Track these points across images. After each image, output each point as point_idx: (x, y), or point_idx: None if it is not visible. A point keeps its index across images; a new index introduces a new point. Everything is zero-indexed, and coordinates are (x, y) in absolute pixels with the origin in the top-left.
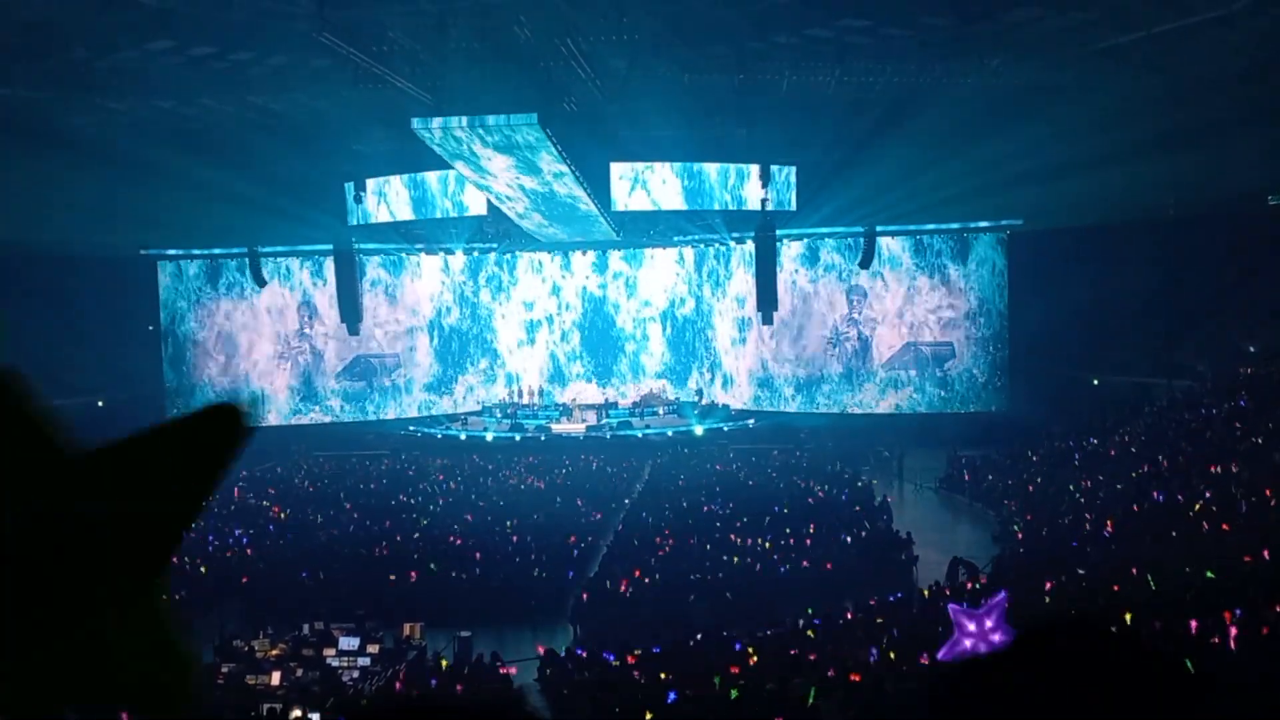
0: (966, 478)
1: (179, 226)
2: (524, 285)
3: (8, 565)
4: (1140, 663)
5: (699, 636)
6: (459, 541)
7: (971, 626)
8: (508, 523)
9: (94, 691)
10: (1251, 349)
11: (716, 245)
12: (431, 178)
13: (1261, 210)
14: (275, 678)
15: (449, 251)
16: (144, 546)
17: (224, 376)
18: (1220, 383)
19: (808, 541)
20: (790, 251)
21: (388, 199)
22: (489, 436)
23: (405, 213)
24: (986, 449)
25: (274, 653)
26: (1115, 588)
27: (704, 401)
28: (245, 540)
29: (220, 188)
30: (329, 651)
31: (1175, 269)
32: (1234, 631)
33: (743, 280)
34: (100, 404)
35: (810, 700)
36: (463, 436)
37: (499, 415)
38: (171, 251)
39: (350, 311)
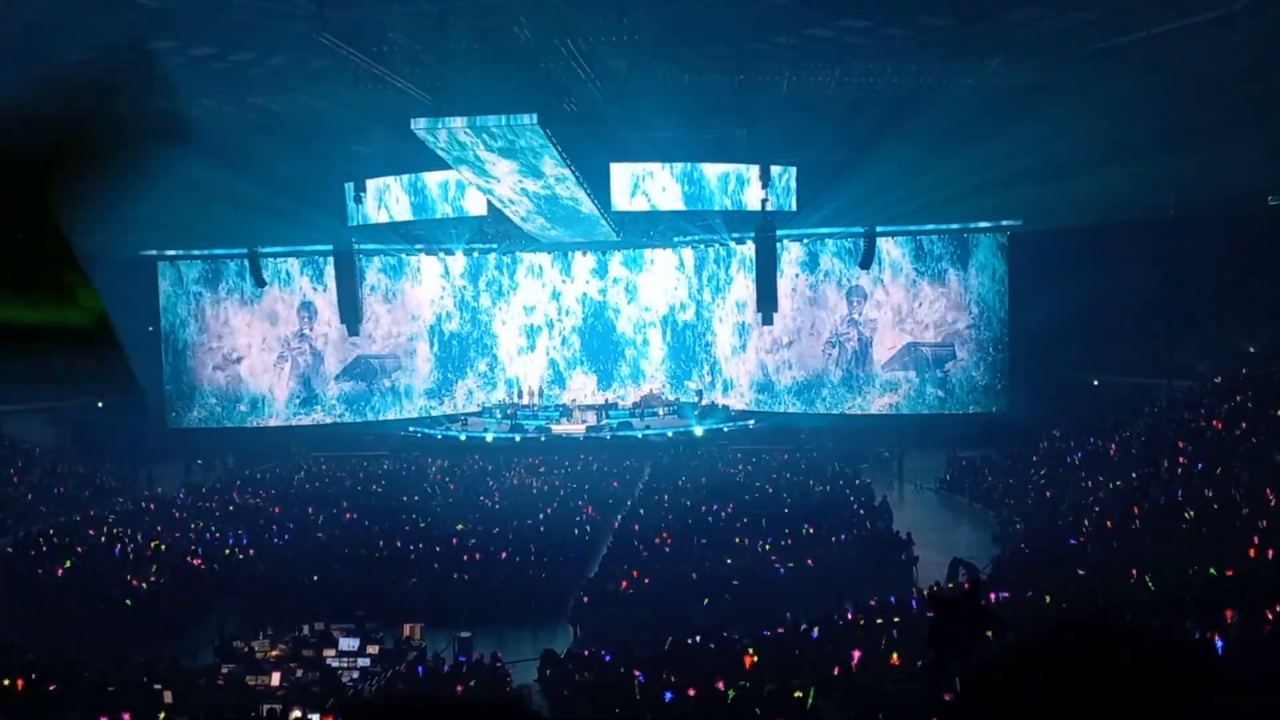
0: (966, 479)
1: (179, 227)
2: (524, 290)
3: None
4: (1157, 662)
5: (699, 637)
6: (458, 542)
7: (950, 613)
8: (508, 523)
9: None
10: (1251, 349)
11: (717, 249)
12: (431, 178)
13: (1261, 210)
14: (275, 678)
15: (449, 252)
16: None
17: (223, 377)
18: (1220, 383)
19: (807, 542)
20: (790, 253)
21: (387, 200)
22: (489, 437)
23: (405, 213)
24: (986, 449)
25: (274, 653)
26: (1116, 588)
27: (704, 402)
28: (245, 541)
29: (220, 188)
30: (329, 652)
31: (1175, 269)
32: (1234, 632)
33: (743, 285)
34: (100, 405)
35: (810, 701)
36: (463, 437)
37: (499, 416)
38: (171, 252)
39: (350, 312)
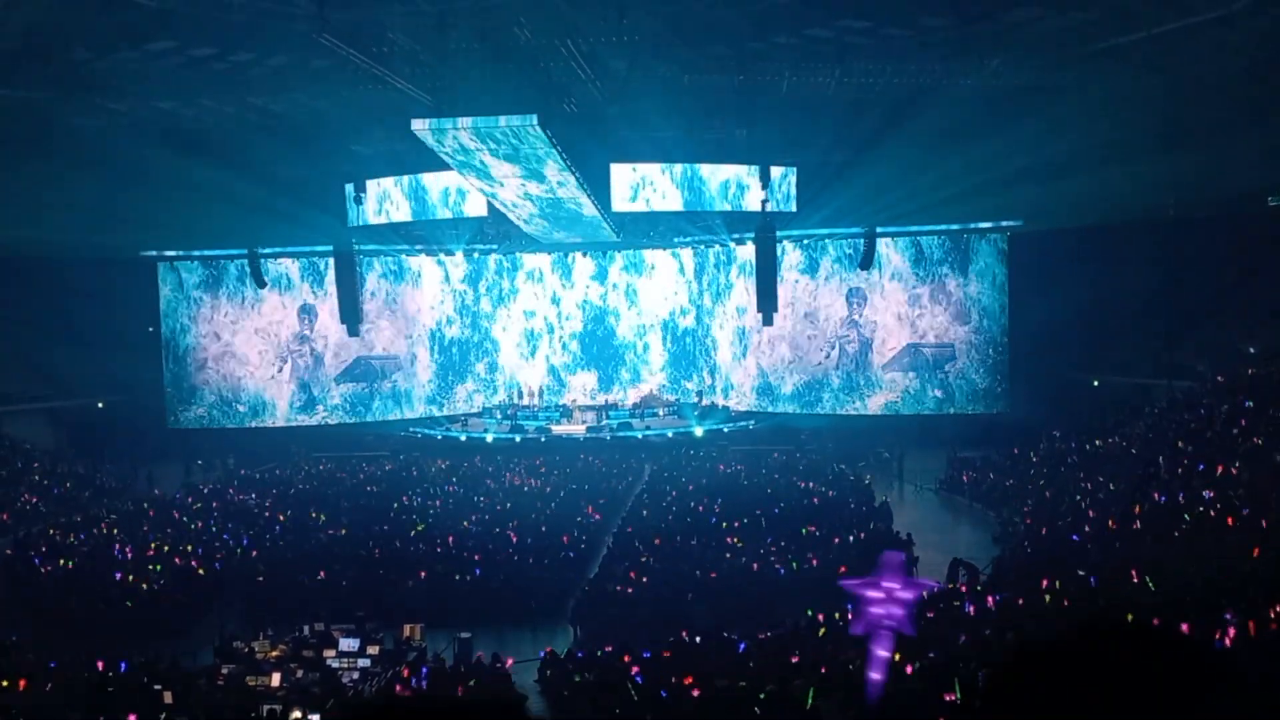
0: (966, 479)
1: (179, 228)
2: (524, 295)
3: None
4: (1179, 659)
5: (699, 637)
6: (457, 543)
7: (875, 594)
8: (509, 524)
9: None
10: (1251, 349)
11: (717, 254)
12: (431, 179)
13: (1261, 210)
14: (275, 679)
15: (449, 253)
16: None
17: (223, 378)
18: (1221, 383)
19: (808, 543)
20: (790, 254)
21: (388, 200)
22: (489, 438)
23: (405, 214)
24: (987, 450)
25: (274, 654)
26: (1116, 588)
27: (704, 403)
28: (245, 541)
29: (220, 189)
30: (329, 652)
31: (1175, 269)
32: (1232, 632)
33: (743, 290)
34: (100, 405)
35: (810, 701)
36: (463, 438)
37: (499, 417)
38: (171, 253)
39: (350, 312)
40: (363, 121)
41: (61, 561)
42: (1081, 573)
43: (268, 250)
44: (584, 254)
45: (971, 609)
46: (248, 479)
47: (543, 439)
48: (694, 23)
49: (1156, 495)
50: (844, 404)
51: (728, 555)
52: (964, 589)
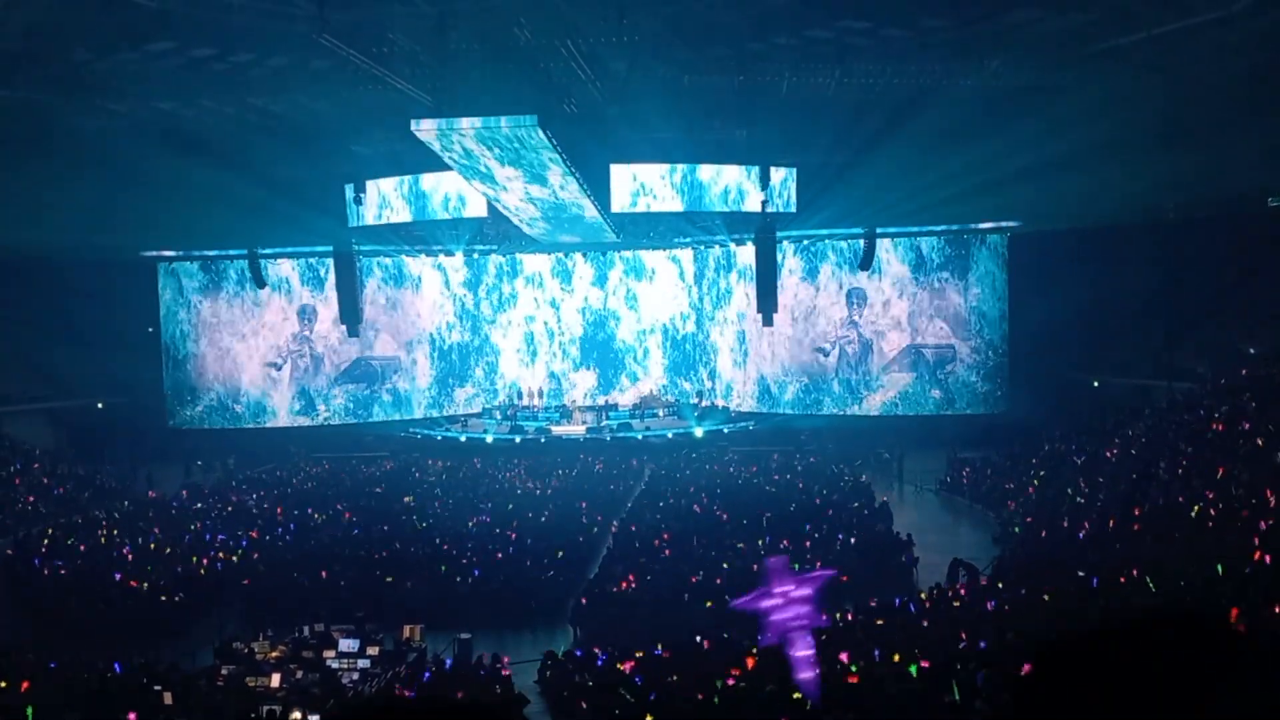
0: (966, 480)
1: (179, 229)
2: (524, 300)
3: None
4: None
5: (699, 638)
6: (457, 543)
7: (783, 588)
8: (509, 524)
9: None
10: (1252, 350)
11: (717, 258)
12: (431, 179)
13: (1261, 211)
14: (275, 679)
15: (449, 253)
16: None
17: (223, 379)
18: (1221, 384)
19: (807, 544)
20: (790, 254)
21: (387, 201)
22: (489, 439)
23: (405, 214)
24: (987, 451)
25: (274, 654)
26: (1116, 588)
27: (704, 404)
28: (245, 542)
29: (220, 189)
30: (329, 653)
31: (1175, 270)
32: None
33: (743, 295)
34: (100, 406)
35: (810, 702)
36: (463, 439)
37: (499, 417)
38: (171, 254)
39: (350, 313)
40: (363, 122)
41: (61, 562)
42: (1081, 573)
43: (268, 251)
44: (585, 259)
45: (975, 608)
46: (248, 479)
47: (542, 440)
48: (694, 23)
49: (1156, 497)
50: (844, 405)
51: (727, 556)
52: (964, 590)
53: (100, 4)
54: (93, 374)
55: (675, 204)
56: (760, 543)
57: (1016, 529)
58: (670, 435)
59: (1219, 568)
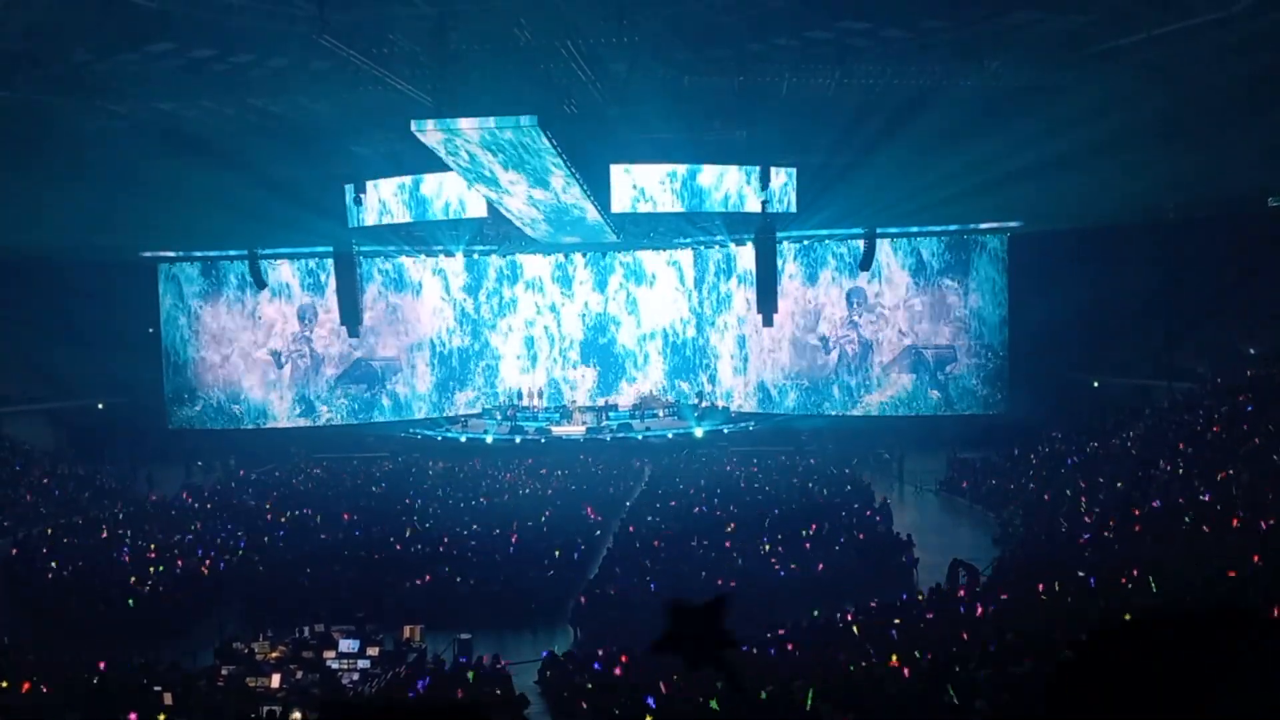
0: (966, 481)
1: (179, 229)
2: (524, 305)
3: None
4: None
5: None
6: (457, 544)
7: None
8: (509, 525)
9: None
10: (1252, 351)
11: (718, 263)
12: (431, 180)
13: (1262, 211)
14: (275, 680)
15: (449, 253)
16: None
17: (223, 378)
18: (1221, 385)
19: (807, 545)
20: (790, 255)
21: (388, 208)
22: (489, 439)
23: (405, 215)
24: (987, 451)
25: (274, 655)
26: (1116, 589)
27: (704, 404)
28: (245, 542)
29: (220, 190)
30: (329, 654)
31: (1175, 270)
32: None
33: (743, 299)
34: (100, 406)
35: (810, 702)
36: (463, 439)
37: (499, 418)
38: (171, 254)
39: (350, 313)
40: (362, 123)
41: (61, 563)
42: (1081, 573)
43: (268, 251)
44: (585, 265)
45: (975, 609)
46: (248, 480)
47: (542, 440)
48: (694, 24)
49: (1156, 497)
50: (846, 407)
51: (727, 557)
52: (963, 590)
53: (100, 5)
54: (93, 374)
55: (676, 201)
56: (760, 543)
57: (1018, 527)
58: (670, 436)
59: (1214, 571)
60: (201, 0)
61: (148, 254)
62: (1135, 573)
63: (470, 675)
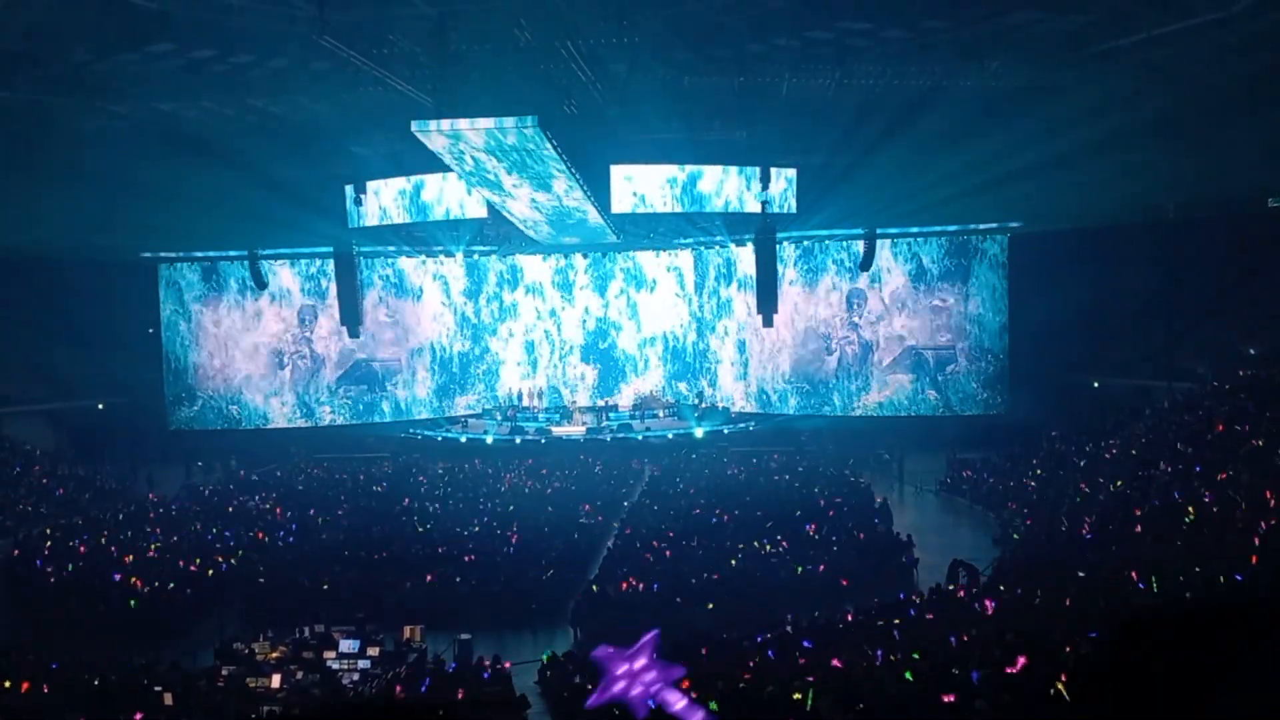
0: (966, 480)
1: (179, 230)
2: (524, 310)
3: None
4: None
5: (700, 639)
6: (457, 544)
7: (622, 669)
8: (509, 525)
9: None
10: (1252, 351)
11: (718, 267)
12: (431, 180)
13: (1262, 211)
14: (275, 680)
15: (449, 254)
16: None
17: (224, 380)
18: (1221, 385)
19: (807, 545)
20: (790, 255)
21: (388, 214)
22: (489, 439)
23: (405, 216)
24: (987, 451)
25: (274, 655)
26: (1116, 589)
27: (704, 405)
28: (245, 543)
29: (220, 190)
30: (329, 654)
31: (1175, 271)
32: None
33: (743, 304)
34: (100, 407)
35: (810, 703)
36: (463, 439)
37: (499, 418)
38: (171, 255)
39: (350, 314)
40: (363, 123)
41: (61, 563)
42: (1082, 574)
43: (268, 252)
44: (585, 271)
45: (975, 609)
46: (248, 480)
47: (542, 440)
48: (694, 24)
49: (1156, 497)
50: (844, 407)
51: (728, 557)
52: (963, 591)
53: (100, 5)
54: (93, 375)
55: (676, 201)
56: (760, 543)
57: (1016, 534)
58: (670, 436)
59: (1213, 572)
60: (201, 0)
61: (147, 254)
62: (1135, 573)
63: (469, 677)
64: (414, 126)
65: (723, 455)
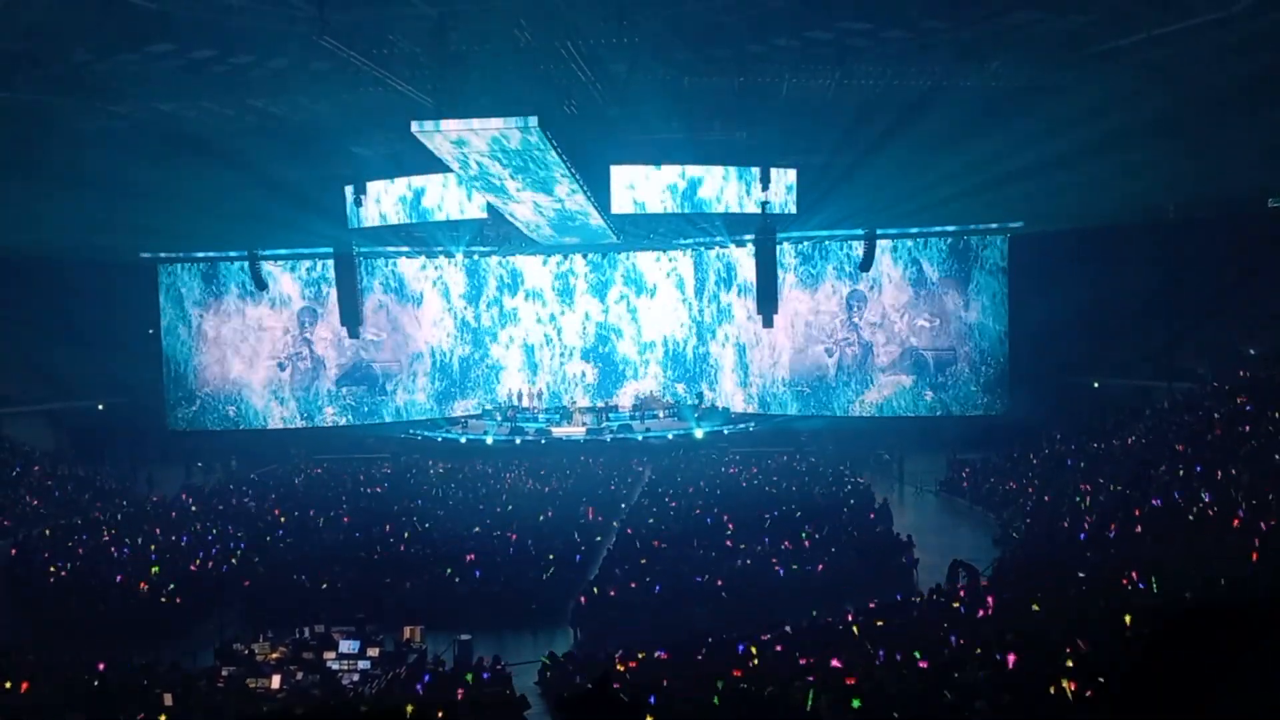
0: (966, 481)
1: (179, 230)
2: (524, 315)
3: None
4: None
5: (699, 639)
6: (457, 545)
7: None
8: (509, 526)
9: None
10: (1252, 351)
11: (718, 271)
12: (431, 181)
13: (1262, 212)
14: (275, 681)
15: (449, 254)
16: None
17: (224, 380)
18: (1220, 385)
19: (807, 545)
20: (790, 256)
21: (387, 219)
22: (489, 440)
23: (405, 216)
24: (987, 452)
25: (274, 656)
26: (1116, 589)
27: (703, 405)
28: (245, 543)
29: (220, 191)
30: (329, 654)
31: (1175, 271)
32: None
33: (743, 309)
34: (100, 408)
35: (810, 703)
36: (463, 440)
37: (499, 419)
38: (171, 255)
39: (350, 314)
40: (363, 124)
41: (62, 564)
42: (1082, 574)
43: (268, 253)
44: (585, 274)
45: (975, 610)
46: (248, 481)
47: (542, 441)
48: (694, 25)
49: (1156, 497)
50: (845, 407)
51: (727, 558)
52: (963, 591)
53: (100, 5)
54: (93, 375)
55: (676, 202)
56: (760, 544)
57: (1015, 534)
58: (670, 436)
59: (1213, 572)
60: (201, 1)
61: (147, 255)
62: (1135, 573)
63: (469, 676)
64: (414, 127)
65: (723, 456)
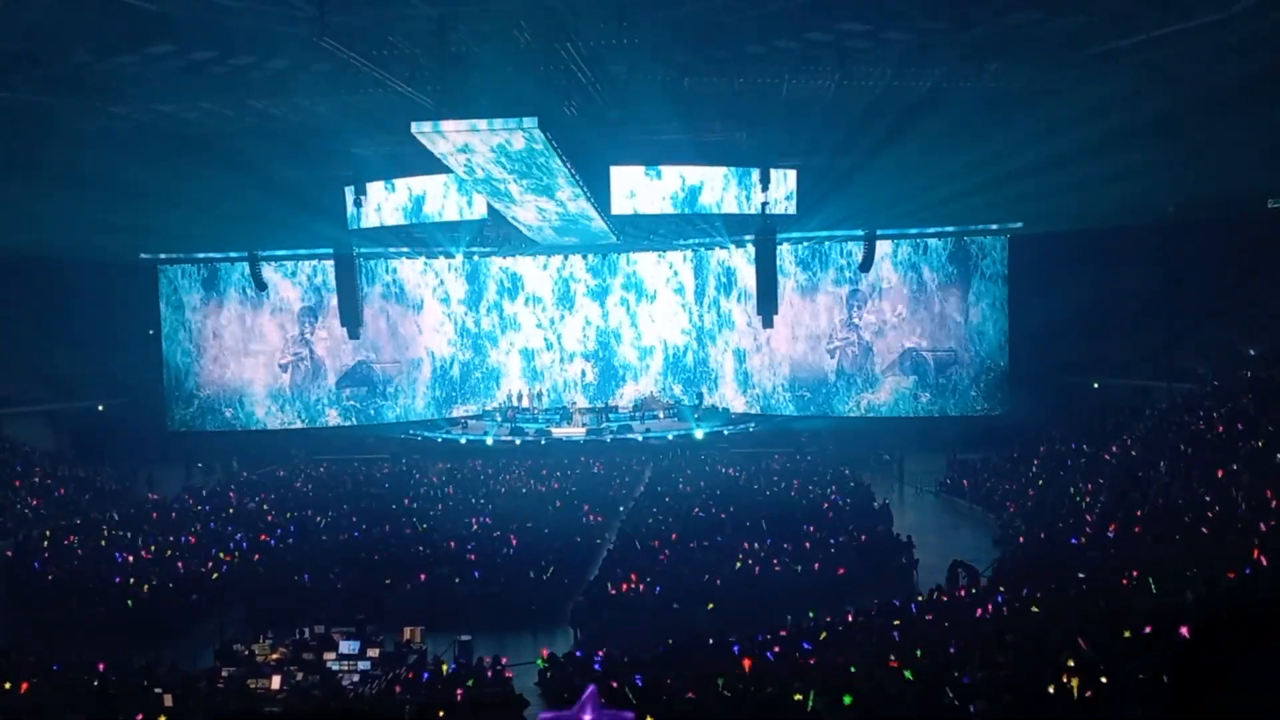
0: (966, 482)
1: (178, 231)
2: (524, 319)
3: None
4: None
5: (699, 640)
6: (457, 545)
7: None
8: (509, 526)
9: None
10: (1252, 351)
11: (718, 275)
12: (431, 182)
13: (1261, 212)
14: (275, 681)
15: (449, 255)
16: None
17: (224, 381)
18: (1221, 385)
19: (807, 545)
20: (790, 257)
21: (386, 203)
22: (489, 440)
23: (404, 217)
24: (987, 452)
25: (274, 656)
26: (1116, 590)
27: (703, 406)
28: (245, 544)
29: (220, 192)
30: (329, 655)
31: (1175, 271)
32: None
33: (743, 313)
34: (100, 408)
35: (810, 703)
36: (463, 440)
37: (499, 419)
38: (171, 256)
39: (350, 315)
40: (363, 125)
41: (62, 564)
42: (1082, 575)
43: (268, 254)
44: (585, 276)
45: (975, 611)
46: (248, 482)
47: (542, 442)
48: (694, 26)
49: (1156, 497)
50: (845, 408)
51: (727, 558)
52: (963, 592)
53: (100, 5)
54: (93, 376)
55: (676, 203)
56: (760, 544)
57: (1017, 535)
58: (670, 437)
59: (1213, 572)
60: (201, 1)
61: (146, 256)
62: (1135, 573)
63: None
64: (414, 128)
65: (724, 456)
